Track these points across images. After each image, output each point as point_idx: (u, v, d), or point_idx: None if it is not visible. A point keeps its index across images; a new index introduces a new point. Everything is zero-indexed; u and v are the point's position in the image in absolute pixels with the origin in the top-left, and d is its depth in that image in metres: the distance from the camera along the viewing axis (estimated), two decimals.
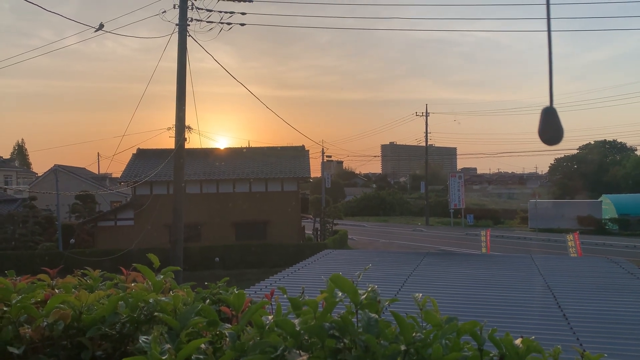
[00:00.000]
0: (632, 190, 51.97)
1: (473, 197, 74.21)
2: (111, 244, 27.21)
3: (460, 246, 33.69)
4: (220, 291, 2.06)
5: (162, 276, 1.92)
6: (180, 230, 17.14)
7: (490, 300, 7.43)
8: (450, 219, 51.30)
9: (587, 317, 6.36)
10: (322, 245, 26.32)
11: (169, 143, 18.30)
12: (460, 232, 43.95)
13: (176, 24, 17.13)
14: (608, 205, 44.34)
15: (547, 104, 1.54)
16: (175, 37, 17.18)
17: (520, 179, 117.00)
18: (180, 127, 17.18)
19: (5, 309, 1.62)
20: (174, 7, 17.26)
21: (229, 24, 18.26)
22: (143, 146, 32.63)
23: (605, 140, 71.57)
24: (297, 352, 1.29)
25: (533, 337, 1.37)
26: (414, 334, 1.34)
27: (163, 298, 1.63)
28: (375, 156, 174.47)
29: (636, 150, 67.78)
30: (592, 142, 72.38)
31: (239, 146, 36.52)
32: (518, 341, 1.36)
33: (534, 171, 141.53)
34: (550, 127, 1.52)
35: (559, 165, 72.33)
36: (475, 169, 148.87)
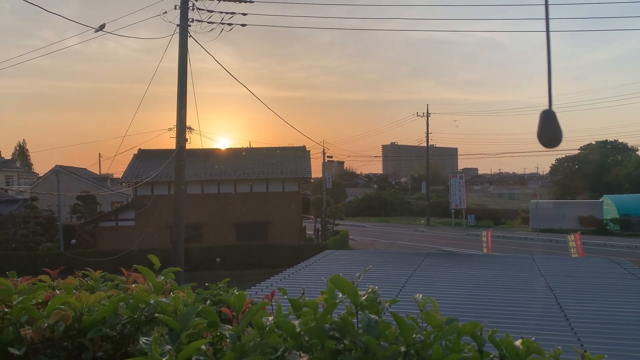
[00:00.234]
0: (634, 191, 51.90)
1: (474, 198, 74.17)
2: (112, 245, 27.23)
3: (461, 247, 33.67)
4: (221, 292, 2.06)
5: (162, 277, 1.92)
6: (181, 230, 17.15)
7: (491, 300, 7.42)
8: (451, 219, 51.28)
9: (588, 318, 6.36)
10: (323, 246, 26.32)
11: (170, 144, 18.34)
12: (461, 233, 43.93)
13: (177, 25, 17.15)
14: (609, 206, 44.30)
15: (547, 105, 1.54)
16: (176, 37, 17.21)
17: (522, 180, 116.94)
18: (181, 127, 17.19)
19: (6, 310, 1.63)
20: (175, 8, 17.29)
21: (229, 24, 18.28)
22: (144, 147, 32.70)
23: (606, 140, 71.50)
24: (298, 353, 1.29)
25: (533, 338, 1.37)
26: (414, 335, 1.34)
27: (164, 299, 1.64)
28: (376, 156, 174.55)
29: (637, 150, 67.71)
30: (594, 143, 72.31)
31: (240, 147, 36.55)
32: (518, 342, 1.36)
33: (535, 171, 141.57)
34: (549, 130, 1.52)
35: (560, 166, 72.29)
36: (476, 169, 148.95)
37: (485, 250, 25.85)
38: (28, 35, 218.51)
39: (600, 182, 60.70)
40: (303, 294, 1.60)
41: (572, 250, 24.29)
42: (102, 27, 16.04)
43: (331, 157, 50.31)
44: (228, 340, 1.42)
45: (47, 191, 33.14)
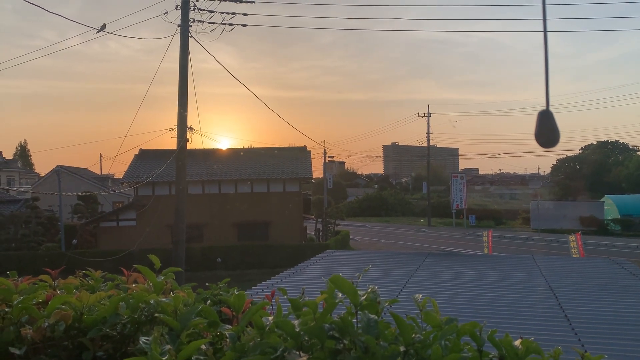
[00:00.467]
0: (635, 191, 51.86)
1: (475, 198, 74.11)
2: (113, 245, 27.25)
3: (462, 247, 33.66)
4: (221, 292, 2.06)
5: (163, 277, 1.93)
6: (182, 230, 17.15)
7: (492, 300, 7.42)
8: (452, 219, 51.28)
9: (589, 318, 6.35)
10: (324, 246, 26.32)
11: (171, 144, 18.36)
12: (462, 233, 43.92)
13: (178, 25, 17.16)
14: (610, 206, 44.28)
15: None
16: (178, 38, 17.21)
17: (522, 180, 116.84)
18: (182, 127, 17.19)
19: (6, 309, 1.63)
20: (176, 8, 17.29)
21: (230, 24, 18.28)
22: (145, 147, 32.73)
23: (607, 140, 71.54)
24: (297, 353, 1.30)
25: (533, 338, 1.37)
26: (413, 335, 1.34)
27: (164, 299, 1.64)
28: (377, 157, 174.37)
29: (638, 150, 67.69)
30: (595, 143, 72.32)
31: (241, 147, 36.57)
32: (518, 342, 1.36)
33: (536, 172, 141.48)
34: (546, 130, 1.52)
35: (561, 166, 72.27)
36: (477, 170, 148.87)
37: (486, 251, 25.84)
38: (29, 35, 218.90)
39: (601, 183, 60.67)
40: (303, 294, 1.60)
41: (573, 250, 24.27)
42: (103, 27, 16.05)
43: (332, 157, 50.26)
44: (228, 340, 1.42)
45: (48, 191, 33.18)
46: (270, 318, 1.45)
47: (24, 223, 30.88)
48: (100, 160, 62.58)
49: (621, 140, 72.21)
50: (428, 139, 55.59)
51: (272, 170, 30.82)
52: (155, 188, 29.35)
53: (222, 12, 18.17)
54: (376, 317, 1.36)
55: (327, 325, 1.34)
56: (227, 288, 2.14)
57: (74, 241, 29.64)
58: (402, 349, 1.30)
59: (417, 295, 1.52)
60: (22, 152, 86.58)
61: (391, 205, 64.96)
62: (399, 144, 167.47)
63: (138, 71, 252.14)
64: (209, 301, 1.98)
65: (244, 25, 18.50)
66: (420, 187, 77.31)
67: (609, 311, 6.69)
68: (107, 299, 1.68)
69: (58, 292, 1.85)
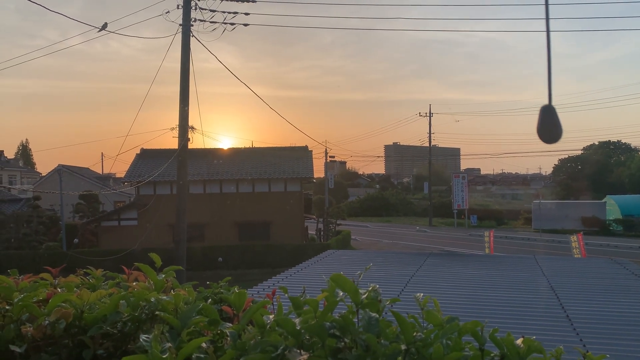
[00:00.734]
0: (637, 191, 51.78)
1: (476, 198, 74.05)
2: (115, 244, 27.27)
3: (464, 247, 33.64)
4: (222, 290, 2.06)
5: (163, 275, 1.92)
6: (184, 230, 17.16)
7: (493, 300, 7.41)
8: (453, 219, 51.24)
9: (590, 318, 6.34)
10: (325, 246, 26.31)
11: (173, 143, 18.31)
12: (463, 233, 43.89)
13: (180, 24, 17.16)
14: (612, 206, 44.22)
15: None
16: (179, 37, 17.22)
17: (524, 180, 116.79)
18: (184, 127, 17.20)
19: (7, 307, 1.63)
20: (178, 8, 17.29)
21: (232, 24, 18.29)
22: (146, 146, 32.74)
23: (609, 140, 71.48)
24: (298, 351, 1.29)
25: (535, 338, 1.36)
26: (415, 334, 1.33)
27: (164, 297, 1.64)
28: (378, 157, 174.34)
29: None
30: (597, 143, 72.26)
31: (242, 146, 36.55)
32: (519, 341, 1.35)
33: (538, 172, 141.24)
34: (548, 125, 1.51)
35: (563, 166, 72.20)
36: (478, 170, 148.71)
37: (487, 251, 25.82)
38: (31, 35, 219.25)
39: (603, 183, 60.61)
40: (304, 292, 1.59)
41: (574, 250, 24.24)
42: (104, 26, 16.06)
43: (333, 157, 50.31)
44: (229, 338, 1.42)
45: (49, 190, 33.20)
46: (271, 316, 1.44)
47: (26, 222, 30.93)
48: (102, 159, 62.75)
49: (623, 141, 72.20)
50: (430, 139, 55.58)
51: (273, 170, 30.83)
52: (156, 187, 29.37)
53: (224, 12, 18.19)
54: (377, 316, 1.35)
55: (328, 323, 1.33)
56: (228, 287, 2.13)
57: (75, 240, 29.67)
58: (403, 347, 1.29)
59: (418, 294, 1.52)
60: (24, 152, 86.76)
61: (392, 205, 64.94)
62: (401, 143, 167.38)
63: (139, 71, 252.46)
64: (210, 299, 1.98)
65: (246, 25, 18.51)
66: (422, 187, 77.27)
67: (611, 311, 6.68)
68: (108, 297, 1.68)
69: (59, 290, 1.84)
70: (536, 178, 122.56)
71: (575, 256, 22.87)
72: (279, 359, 1.28)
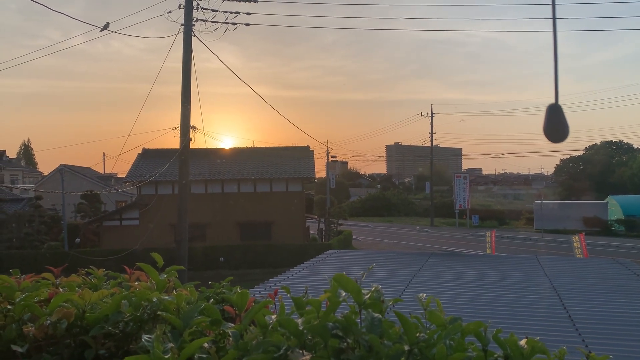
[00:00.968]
0: (639, 192, 51.72)
1: (478, 198, 74.03)
2: (116, 244, 27.28)
3: (465, 247, 33.61)
4: (224, 290, 2.06)
5: (165, 275, 1.92)
6: (185, 230, 17.17)
7: (495, 301, 7.40)
8: (455, 219, 51.21)
9: (592, 319, 6.33)
10: (327, 246, 26.30)
11: (174, 143, 18.33)
12: (465, 233, 43.86)
13: (181, 24, 17.17)
14: (614, 207, 44.15)
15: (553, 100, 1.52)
16: (181, 37, 17.23)
17: (526, 180, 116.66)
18: (185, 127, 17.21)
19: (9, 307, 1.63)
20: (180, 7, 17.30)
21: (234, 24, 18.29)
22: (148, 146, 32.79)
23: (611, 141, 71.34)
24: (300, 351, 1.29)
25: (538, 338, 1.36)
26: (417, 334, 1.33)
27: (166, 297, 1.63)
28: (380, 156, 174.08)
29: None
30: (599, 143, 72.12)
31: (244, 146, 36.57)
32: (523, 342, 1.35)
33: (540, 172, 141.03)
34: (555, 124, 1.50)
35: (565, 166, 72.09)
36: (480, 170, 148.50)
37: (489, 251, 25.79)
38: (33, 35, 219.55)
39: (605, 183, 60.52)
40: (306, 292, 1.59)
41: (576, 251, 24.21)
42: (106, 26, 16.07)
43: (335, 157, 50.37)
44: (231, 338, 1.41)
45: (51, 190, 33.24)
46: (273, 317, 1.44)
47: (28, 222, 30.97)
48: (104, 159, 62.82)
49: (625, 141, 72.07)
50: (431, 139, 55.54)
51: (274, 170, 30.83)
52: (158, 187, 29.39)
53: (225, 12, 18.19)
54: (380, 316, 1.35)
55: (330, 324, 1.33)
56: (230, 287, 2.13)
57: (77, 240, 29.71)
58: (406, 348, 1.29)
59: (421, 295, 1.51)
60: (26, 151, 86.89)
61: (394, 205, 64.93)
62: (402, 143, 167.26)
63: (141, 70, 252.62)
64: (212, 299, 1.97)
65: (247, 25, 18.51)
66: (423, 187, 77.22)
67: (613, 312, 6.67)
68: (110, 297, 1.67)
69: (60, 290, 1.84)
70: (538, 178, 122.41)
71: (577, 256, 22.84)
72: (281, 359, 1.27)
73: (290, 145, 34.91)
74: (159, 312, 1.56)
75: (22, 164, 70.86)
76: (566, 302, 7.05)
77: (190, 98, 17.11)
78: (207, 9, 17.88)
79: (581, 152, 70.58)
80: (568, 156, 70.02)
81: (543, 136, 1.53)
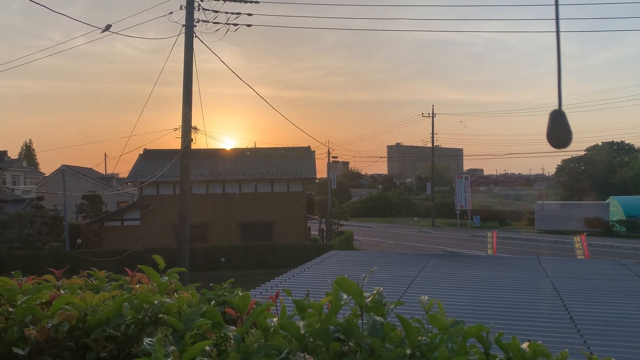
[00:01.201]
0: None
1: (479, 199, 73.94)
2: (118, 244, 27.32)
3: (467, 248, 33.58)
4: (225, 293, 2.05)
5: (167, 277, 1.92)
6: (187, 230, 17.17)
7: (496, 302, 7.40)
8: (456, 220, 51.16)
9: (594, 320, 6.32)
10: (328, 246, 26.31)
11: (176, 144, 18.35)
12: (466, 234, 43.82)
13: (183, 25, 17.18)
14: (616, 207, 44.06)
15: (555, 105, 1.53)
16: (182, 38, 17.24)
17: (527, 181, 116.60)
18: (187, 127, 17.22)
19: (10, 309, 1.62)
20: (181, 8, 17.32)
21: (235, 24, 18.29)
22: (150, 147, 32.77)
23: (613, 141, 71.18)
24: (302, 354, 1.29)
25: (540, 341, 1.35)
26: (419, 338, 1.33)
27: (168, 300, 1.63)
28: (381, 157, 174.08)
29: None
30: (600, 144, 71.95)
31: (245, 147, 36.60)
32: (525, 345, 1.34)
33: (541, 172, 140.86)
34: (559, 130, 1.50)
35: (566, 167, 71.95)
36: (481, 170, 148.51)
37: (490, 252, 25.75)
38: (35, 35, 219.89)
39: (607, 184, 60.42)
40: (307, 295, 1.59)
41: (578, 251, 24.17)
42: (108, 27, 16.09)
43: (336, 157, 50.27)
44: (232, 341, 1.41)
45: (53, 191, 33.27)
46: (275, 319, 1.44)
47: (29, 222, 30.99)
48: (105, 159, 62.86)
49: (627, 141, 71.84)
50: (432, 140, 55.50)
51: (276, 171, 30.84)
52: (159, 188, 29.41)
53: (227, 12, 18.19)
54: (382, 319, 1.35)
55: (332, 327, 1.33)
56: (231, 289, 2.13)
57: (79, 241, 29.73)
58: (408, 351, 1.28)
59: (422, 297, 1.51)
60: (27, 152, 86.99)
61: (395, 205, 64.90)
62: (403, 144, 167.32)
63: (143, 71, 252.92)
64: (213, 302, 1.97)
65: (249, 26, 18.52)
66: (425, 187, 77.21)
67: (615, 313, 6.66)
68: (111, 300, 1.67)
69: (62, 292, 1.84)
70: (539, 179, 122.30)
71: (579, 257, 22.81)
72: None
73: (291, 145, 34.96)
74: (160, 315, 1.56)
75: (24, 165, 70.92)
76: (568, 303, 7.04)
77: (192, 100, 17.11)
78: (208, 10, 17.89)
79: (583, 153, 70.45)
80: (569, 157, 69.90)
81: (544, 137, 1.53)
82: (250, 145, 47.53)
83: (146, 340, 1.33)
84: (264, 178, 30.36)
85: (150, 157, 31.62)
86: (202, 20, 17.71)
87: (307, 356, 1.29)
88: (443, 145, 78.75)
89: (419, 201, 69.74)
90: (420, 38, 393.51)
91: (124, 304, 1.62)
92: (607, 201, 46.02)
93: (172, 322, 1.48)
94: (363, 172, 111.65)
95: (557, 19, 1.54)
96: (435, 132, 55.16)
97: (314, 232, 35.26)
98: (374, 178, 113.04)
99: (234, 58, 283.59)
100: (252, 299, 1.66)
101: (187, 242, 17.18)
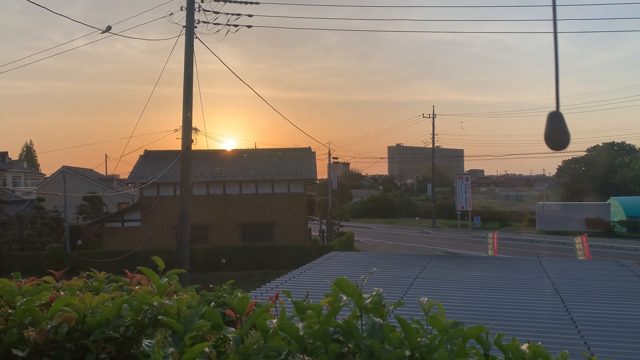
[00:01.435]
0: None
1: (480, 199, 73.93)
2: (118, 245, 27.31)
3: (467, 248, 33.56)
4: (225, 294, 2.05)
5: (166, 279, 1.92)
6: (187, 231, 17.17)
7: (497, 303, 7.39)
8: (457, 221, 51.13)
9: (595, 321, 6.31)
10: (329, 247, 26.30)
11: (176, 145, 18.38)
12: (467, 235, 43.79)
13: (183, 26, 17.18)
14: (616, 208, 44.04)
15: (554, 106, 1.52)
16: (183, 39, 17.24)
17: (528, 181, 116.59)
18: (187, 128, 17.22)
19: (10, 311, 1.62)
20: (181, 9, 17.32)
21: (235, 25, 18.30)
22: (150, 148, 32.76)
23: (613, 142, 71.16)
24: (301, 356, 1.29)
25: (540, 343, 1.35)
26: (419, 339, 1.32)
27: (167, 301, 1.63)
28: (382, 158, 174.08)
29: None
30: (601, 144, 71.95)
31: (246, 148, 36.60)
32: (524, 346, 1.34)
33: (542, 173, 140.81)
34: (556, 132, 1.50)
35: (567, 168, 71.92)
36: (482, 171, 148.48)
37: (491, 252, 25.74)
38: (36, 36, 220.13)
39: (608, 184, 60.40)
40: (307, 296, 1.59)
41: (578, 252, 24.16)
42: (108, 28, 16.11)
43: (337, 158, 50.30)
44: (231, 342, 1.41)
45: (53, 192, 33.29)
46: (274, 321, 1.43)
47: (30, 223, 31.00)
48: (106, 161, 62.91)
49: (628, 142, 71.81)
50: (433, 140, 55.50)
51: (276, 171, 30.83)
52: (160, 189, 29.41)
53: (227, 13, 18.20)
54: (381, 321, 1.34)
55: (331, 328, 1.32)
56: (231, 290, 2.12)
57: (79, 242, 29.74)
58: (407, 353, 1.28)
59: (422, 298, 1.51)
60: (28, 153, 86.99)
61: (396, 206, 64.89)
62: (404, 145, 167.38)
63: (143, 72, 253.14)
64: (213, 303, 1.97)
65: (249, 27, 18.54)
66: (425, 188, 77.15)
67: (616, 314, 6.65)
68: (111, 301, 1.67)
69: (62, 293, 1.84)
70: (540, 179, 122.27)
71: (580, 258, 22.80)
72: None
73: (292, 146, 34.98)
74: (159, 317, 1.56)
75: (25, 166, 70.91)
76: (568, 304, 7.03)
77: (192, 101, 17.11)
78: (208, 11, 17.90)
79: (583, 154, 70.43)
80: (570, 157, 69.92)
81: (543, 140, 1.53)
82: (251, 146, 47.60)
83: (145, 341, 1.33)
84: (265, 179, 30.36)
85: (151, 158, 31.63)
86: (202, 22, 17.72)
87: (306, 358, 1.29)
88: (444, 146, 78.65)
89: (419, 202, 69.74)
90: (420, 39, 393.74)
91: (124, 305, 1.62)
92: (608, 202, 46.00)
93: (171, 324, 1.47)
94: (364, 173, 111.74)
95: (554, 19, 1.54)
96: (436, 133, 55.22)
97: (315, 233, 35.25)
98: (375, 179, 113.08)
99: (235, 59, 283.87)
100: (251, 300, 1.66)
101: (188, 243, 17.17)
